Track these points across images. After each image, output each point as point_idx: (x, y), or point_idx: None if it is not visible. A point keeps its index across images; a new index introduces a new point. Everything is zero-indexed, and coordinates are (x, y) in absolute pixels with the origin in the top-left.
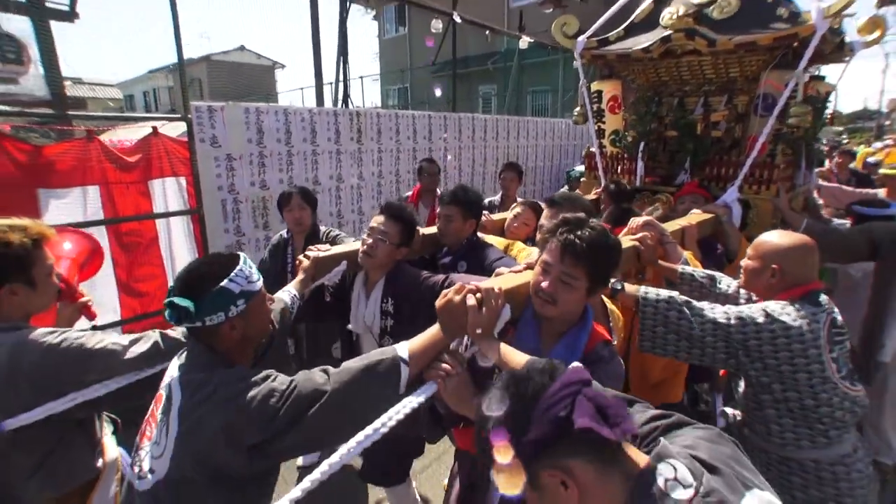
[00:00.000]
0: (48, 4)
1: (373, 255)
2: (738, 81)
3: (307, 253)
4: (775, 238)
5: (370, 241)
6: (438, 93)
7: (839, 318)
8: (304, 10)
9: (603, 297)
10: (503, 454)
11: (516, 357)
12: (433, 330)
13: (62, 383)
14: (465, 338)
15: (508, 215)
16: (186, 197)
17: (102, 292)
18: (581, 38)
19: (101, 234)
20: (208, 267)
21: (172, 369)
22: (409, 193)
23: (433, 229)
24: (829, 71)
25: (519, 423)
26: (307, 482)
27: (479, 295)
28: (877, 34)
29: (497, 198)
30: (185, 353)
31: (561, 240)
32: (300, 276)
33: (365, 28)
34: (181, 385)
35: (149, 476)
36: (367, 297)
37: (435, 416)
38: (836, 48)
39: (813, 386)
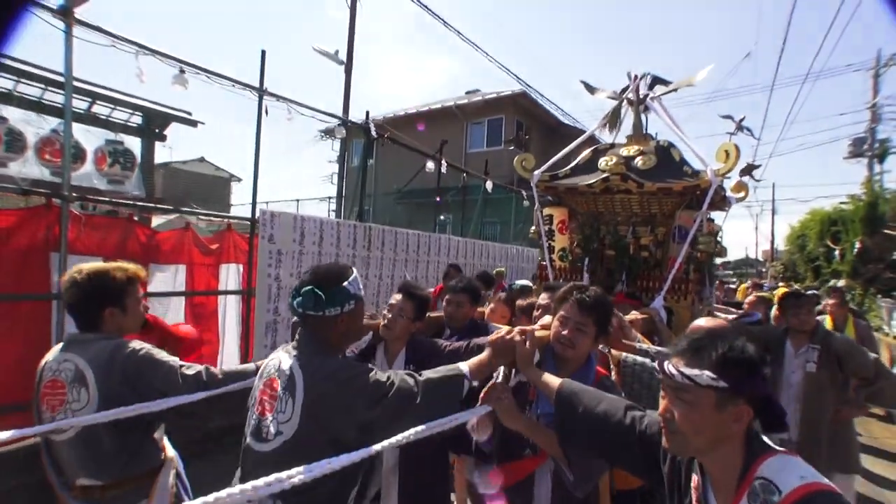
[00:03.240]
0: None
1: (392, 328)
2: (658, 216)
3: None
4: (703, 322)
5: (390, 315)
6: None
7: None
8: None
9: (605, 353)
10: None
11: (552, 379)
12: (483, 357)
13: (142, 383)
14: (498, 374)
15: (486, 309)
16: (240, 280)
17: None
18: (536, 172)
19: (181, 302)
20: (333, 270)
21: (283, 357)
22: (431, 289)
23: (438, 314)
24: (716, 216)
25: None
26: (379, 445)
27: (523, 335)
28: (742, 194)
29: None
30: (296, 345)
31: (577, 298)
32: None
33: (316, 154)
34: (301, 367)
35: (276, 437)
36: (390, 365)
37: (480, 455)
38: (720, 199)
39: None
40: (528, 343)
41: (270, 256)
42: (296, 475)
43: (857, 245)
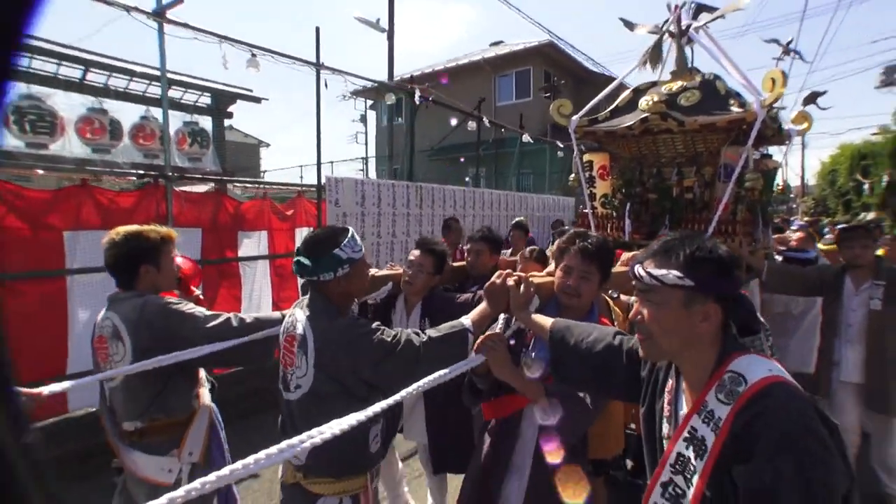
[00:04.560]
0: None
1: (413, 282)
2: (704, 155)
3: None
4: None
5: (410, 271)
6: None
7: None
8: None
9: (608, 299)
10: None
11: (545, 320)
12: (482, 307)
13: (169, 334)
14: (499, 324)
15: (519, 265)
16: None
17: (264, 308)
18: (574, 118)
19: (265, 264)
20: (322, 237)
21: (300, 315)
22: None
23: (461, 263)
24: (775, 152)
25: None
26: (400, 394)
27: (516, 279)
28: (805, 125)
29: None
30: (308, 302)
31: (580, 246)
32: None
33: (337, 114)
34: (311, 328)
35: (296, 390)
36: (408, 315)
37: (474, 391)
38: (776, 133)
39: None
40: (522, 288)
41: (337, 219)
42: (305, 441)
43: (886, 178)
